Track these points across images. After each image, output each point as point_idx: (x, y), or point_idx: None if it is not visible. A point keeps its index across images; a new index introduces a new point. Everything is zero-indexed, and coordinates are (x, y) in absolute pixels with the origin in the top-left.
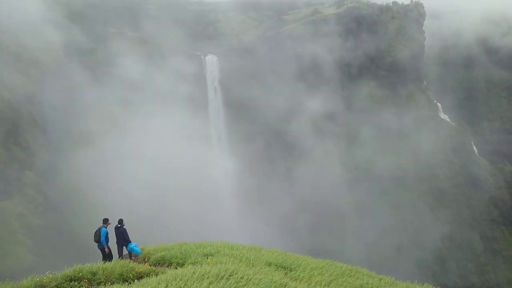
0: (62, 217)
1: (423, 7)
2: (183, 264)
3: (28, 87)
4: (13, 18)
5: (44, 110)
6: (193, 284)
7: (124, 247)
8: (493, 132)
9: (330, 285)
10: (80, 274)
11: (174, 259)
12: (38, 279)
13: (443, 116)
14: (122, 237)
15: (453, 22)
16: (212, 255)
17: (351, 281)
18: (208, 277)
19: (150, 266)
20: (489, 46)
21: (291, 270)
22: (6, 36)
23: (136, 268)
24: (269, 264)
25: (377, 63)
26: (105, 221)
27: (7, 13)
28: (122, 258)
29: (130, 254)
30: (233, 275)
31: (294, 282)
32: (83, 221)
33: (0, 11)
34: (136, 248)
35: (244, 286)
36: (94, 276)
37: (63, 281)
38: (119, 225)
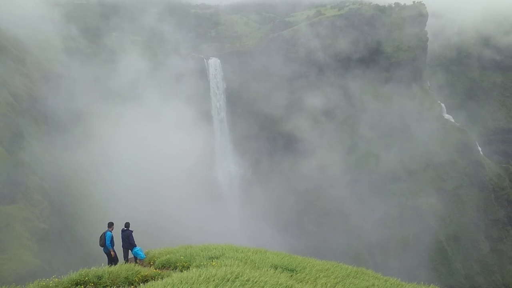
0: (67, 221)
1: (425, 7)
2: (188, 267)
3: (32, 91)
4: (15, 24)
5: (48, 114)
6: (199, 287)
7: (130, 250)
8: (498, 132)
9: (336, 287)
10: (86, 278)
11: (179, 262)
12: (44, 284)
13: (447, 116)
14: (128, 241)
15: (455, 21)
16: (217, 258)
17: (356, 283)
18: (214, 280)
19: (156, 269)
20: (492, 45)
21: (296, 272)
22: (9, 42)
23: (141, 272)
24: (275, 267)
25: (380, 64)
26: (110, 225)
27: (9, 18)
28: (128, 261)
29: (135, 258)
30: (238, 277)
31: (300, 284)
32: (88, 225)
33: (2, 17)
34: (141, 253)
35: None
36: (100, 280)
37: (69, 285)
38: (125, 228)
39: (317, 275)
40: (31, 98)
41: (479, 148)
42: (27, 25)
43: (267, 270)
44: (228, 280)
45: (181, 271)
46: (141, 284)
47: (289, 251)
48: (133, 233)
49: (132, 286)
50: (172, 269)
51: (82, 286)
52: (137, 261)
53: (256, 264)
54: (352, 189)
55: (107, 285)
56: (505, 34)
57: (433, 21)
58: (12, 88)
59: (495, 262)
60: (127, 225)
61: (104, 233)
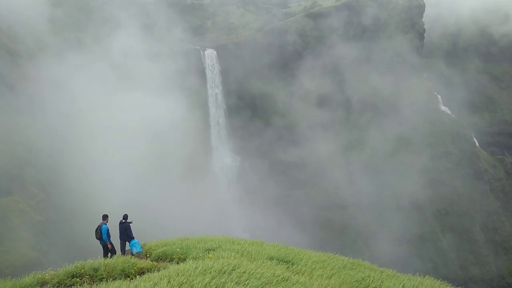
0: (63, 213)
1: None
2: (185, 259)
3: (27, 82)
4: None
5: (44, 107)
6: (196, 279)
7: (128, 243)
8: (494, 123)
9: (332, 278)
10: (82, 270)
11: (175, 254)
12: (40, 276)
13: (443, 108)
14: (126, 233)
15: (452, 11)
16: (213, 250)
17: (352, 274)
18: (210, 272)
19: (152, 261)
20: (489, 36)
21: (292, 264)
22: (4, 33)
23: (137, 264)
24: (271, 258)
25: (377, 55)
26: (104, 217)
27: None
28: (125, 253)
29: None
30: (235, 269)
31: (296, 275)
32: (84, 218)
33: None
34: (138, 246)
35: (246, 280)
36: (96, 272)
37: (65, 277)
38: (123, 221)
39: (313, 267)
40: (26, 91)
41: (475, 140)
42: (16, 10)
43: (264, 262)
44: (225, 272)
45: (178, 263)
46: (137, 277)
47: (286, 242)
48: (130, 225)
49: (129, 279)
50: (169, 261)
51: (78, 279)
52: (133, 253)
53: (253, 256)
54: (349, 181)
55: (103, 278)
56: (501, 25)
57: (429, 10)
58: (8, 80)
59: (490, 253)
60: (125, 217)
61: (100, 226)
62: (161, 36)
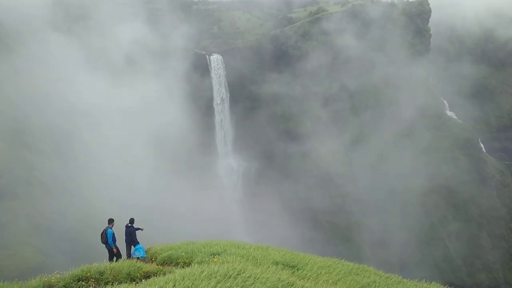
0: (69, 217)
1: (428, 3)
2: (190, 264)
3: (34, 88)
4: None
5: (49, 110)
6: (201, 283)
7: (133, 247)
8: (500, 129)
9: (337, 284)
10: (88, 273)
11: (181, 258)
12: (46, 279)
13: (449, 113)
14: (130, 237)
15: (457, 15)
16: (218, 254)
17: (358, 280)
18: (216, 276)
19: (157, 265)
20: (495, 40)
21: (298, 269)
22: (11, 38)
23: (143, 268)
24: (276, 263)
25: (382, 61)
26: (110, 221)
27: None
28: (130, 257)
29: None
30: (240, 274)
31: (301, 280)
32: (90, 221)
33: None
34: (141, 251)
35: (252, 285)
36: (101, 275)
37: (71, 281)
38: (129, 224)
39: (319, 272)
40: (34, 95)
41: (482, 145)
42: (15, 5)
43: (269, 266)
44: (230, 277)
45: (183, 267)
46: (143, 280)
47: (288, 245)
48: (137, 231)
49: (134, 282)
50: (174, 266)
51: (84, 282)
52: (135, 257)
53: (258, 261)
54: (353, 185)
55: (109, 281)
56: (506, 29)
57: (434, 15)
58: (15, 84)
59: (496, 259)
60: (131, 221)
61: (105, 230)
62: (167, 41)
